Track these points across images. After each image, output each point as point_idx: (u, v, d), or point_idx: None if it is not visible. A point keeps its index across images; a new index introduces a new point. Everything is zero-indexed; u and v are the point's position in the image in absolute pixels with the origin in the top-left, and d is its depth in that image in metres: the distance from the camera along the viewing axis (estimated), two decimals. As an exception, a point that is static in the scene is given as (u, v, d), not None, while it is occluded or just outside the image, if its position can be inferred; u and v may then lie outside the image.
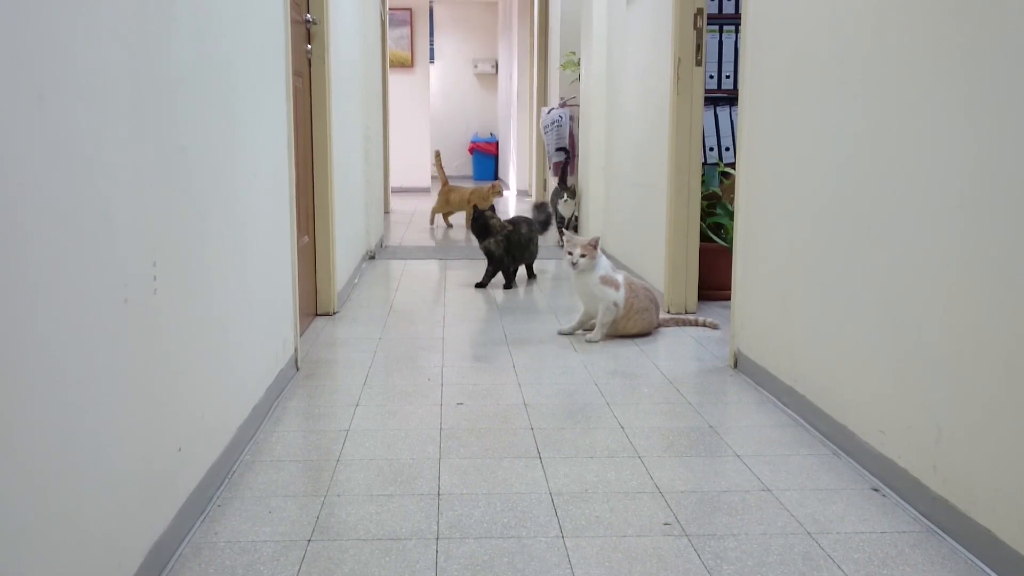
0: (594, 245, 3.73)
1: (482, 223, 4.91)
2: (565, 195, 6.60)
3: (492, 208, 5.04)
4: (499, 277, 5.09)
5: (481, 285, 5.03)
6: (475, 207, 5.02)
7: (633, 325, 3.80)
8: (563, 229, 6.61)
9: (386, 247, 6.66)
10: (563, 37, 7.70)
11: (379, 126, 6.89)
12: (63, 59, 1.41)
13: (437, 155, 8.34)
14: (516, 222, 5.04)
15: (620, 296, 3.75)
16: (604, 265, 3.84)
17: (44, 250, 1.34)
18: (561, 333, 3.92)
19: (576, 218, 6.74)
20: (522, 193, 11.19)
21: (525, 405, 2.90)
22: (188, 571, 1.82)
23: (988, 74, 1.84)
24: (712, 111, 4.82)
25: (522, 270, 5.36)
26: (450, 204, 7.77)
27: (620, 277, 3.79)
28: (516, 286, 5.12)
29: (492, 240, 4.94)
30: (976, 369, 1.88)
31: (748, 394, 3.05)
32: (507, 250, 4.98)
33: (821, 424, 2.61)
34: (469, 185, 8.51)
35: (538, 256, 6.19)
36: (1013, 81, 1.76)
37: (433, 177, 13.48)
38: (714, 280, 4.52)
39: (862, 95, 2.37)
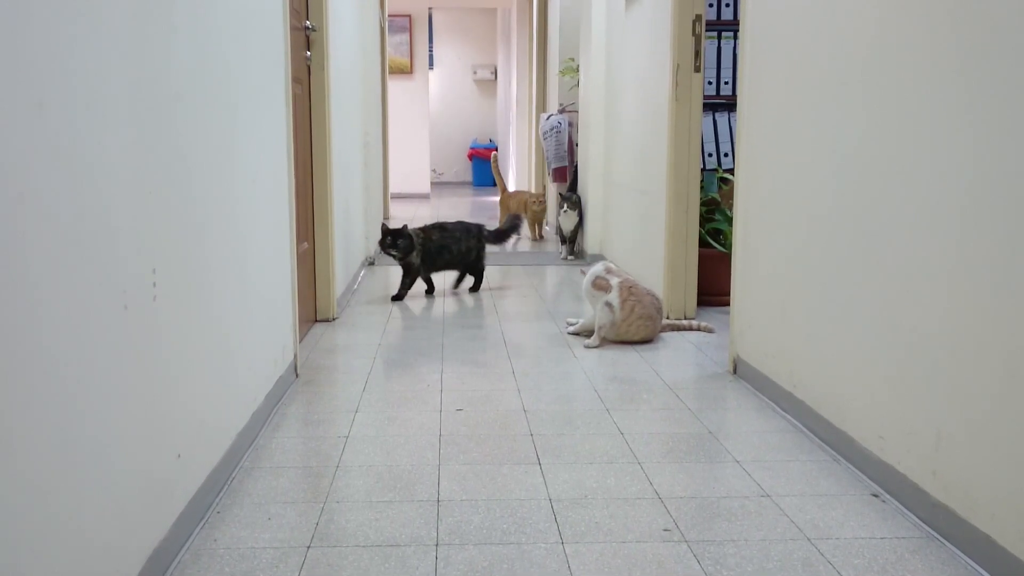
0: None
1: (406, 241, 4.76)
2: (566, 205, 6.23)
3: (404, 226, 4.81)
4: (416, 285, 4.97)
5: (398, 297, 4.83)
6: (383, 225, 4.83)
7: (636, 331, 3.79)
8: (572, 249, 6.31)
9: (385, 253, 6.66)
10: (562, 43, 7.71)
11: (378, 132, 6.89)
12: (63, 66, 1.41)
13: (494, 160, 8.10)
14: (427, 230, 4.92)
15: (613, 296, 3.75)
16: (596, 269, 3.87)
17: (44, 256, 1.34)
18: (569, 330, 4.05)
19: (581, 231, 6.34)
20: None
21: (524, 411, 2.90)
22: (187, 578, 1.82)
23: (987, 77, 1.84)
24: (711, 117, 4.83)
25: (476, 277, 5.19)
26: (509, 210, 7.56)
27: (615, 280, 3.79)
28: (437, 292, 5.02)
29: (413, 253, 4.81)
30: (976, 374, 1.88)
31: (747, 400, 3.05)
32: (423, 259, 4.87)
33: (820, 430, 2.61)
34: (524, 190, 8.38)
35: (536, 263, 6.21)
36: (1012, 85, 1.76)
37: (433, 183, 13.49)
38: (713, 286, 4.52)
39: (861, 99, 2.37)
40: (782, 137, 2.92)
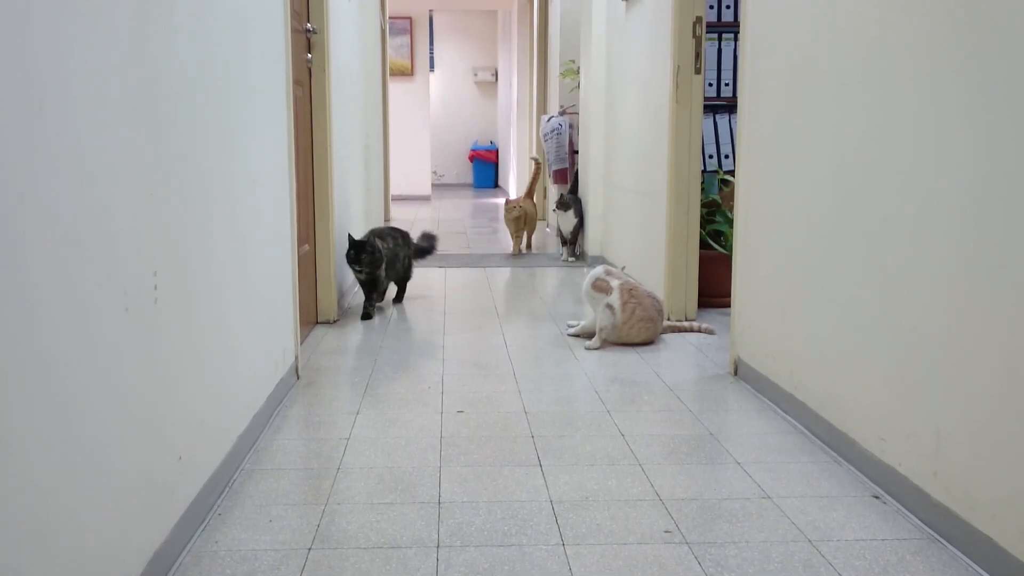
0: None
1: (370, 256, 4.27)
2: (556, 206, 6.17)
3: (369, 238, 4.35)
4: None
5: (369, 317, 4.39)
6: (349, 235, 4.32)
7: (637, 333, 3.79)
8: (573, 251, 6.25)
9: (386, 255, 6.64)
10: (562, 45, 7.71)
11: (379, 134, 6.90)
12: (63, 67, 1.41)
13: (537, 165, 7.03)
14: (380, 237, 4.46)
15: (614, 299, 3.76)
16: (596, 272, 3.88)
17: (45, 258, 1.34)
18: (569, 332, 4.04)
19: (580, 233, 6.28)
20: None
21: (525, 412, 2.90)
22: (188, 580, 1.82)
23: (987, 77, 1.84)
24: (711, 119, 4.83)
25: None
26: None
27: (615, 282, 3.79)
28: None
29: (381, 267, 4.37)
30: (976, 375, 1.88)
31: (748, 401, 3.05)
32: (387, 271, 4.47)
33: (821, 431, 2.61)
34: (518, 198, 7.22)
35: (537, 264, 6.22)
36: (1012, 85, 1.76)
37: (434, 185, 13.49)
38: (714, 287, 4.52)
39: (860, 101, 2.37)
40: (782, 138, 2.92)
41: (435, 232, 5.14)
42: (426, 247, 4.96)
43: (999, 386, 1.81)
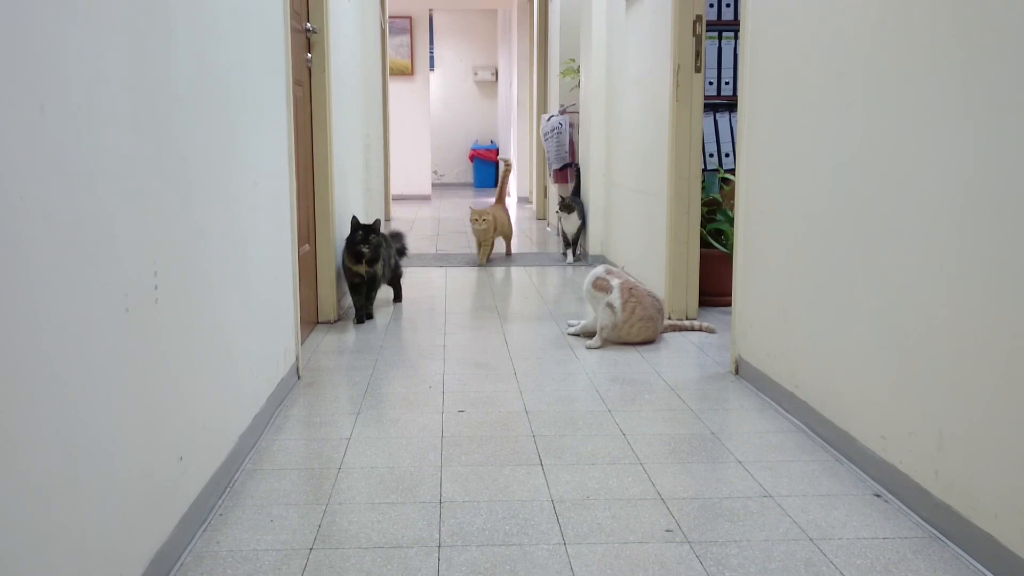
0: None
1: (378, 239, 4.19)
2: (559, 209, 6.14)
3: (376, 221, 4.26)
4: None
5: (370, 316, 4.38)
6: (354, 217, 4.25)
7: (637, 333, 3.80)
8: (574, 253, 6.17)
9: (387, 255, 6.63)
10: (562, 44, 7.72)
11: (379, 134, 6.89)
12: (63, 69, 1.41)
13: (507, 167, 6.73)
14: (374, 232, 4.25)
15: (614, 297, 3.76)
16: (597, 271, 3.88)
17: (45, 259, 1.34)
18: (570, 331, 4.04)
19: (584, 234, 6.25)
20: (522, 200, 11.20)
21: (526, 412, 2.90)
22: (190, 580, 1.82)
23: (986, 78, 1.84)
24: (712, 117, 4.83)
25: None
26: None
27: (615, 281, 3.79)
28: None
29: (380, 262, 4.27)
30: (977, 374, 1.88)
31: (749, 400, 3.05)
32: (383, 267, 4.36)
33: (823, 430, 2.61)
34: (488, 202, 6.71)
35: (539, 264, 6.22)
36: (1011, 86, 1.76)
37: (434, 185, 13.48)
38: (715, 286, 4.52)
39: (861, 100, 2.37)
40: (782, 137, 2.92)
41: (402, 231, 5.03)
42: (398, 247, 4.84)
43: (1000, 385, 1.81)
